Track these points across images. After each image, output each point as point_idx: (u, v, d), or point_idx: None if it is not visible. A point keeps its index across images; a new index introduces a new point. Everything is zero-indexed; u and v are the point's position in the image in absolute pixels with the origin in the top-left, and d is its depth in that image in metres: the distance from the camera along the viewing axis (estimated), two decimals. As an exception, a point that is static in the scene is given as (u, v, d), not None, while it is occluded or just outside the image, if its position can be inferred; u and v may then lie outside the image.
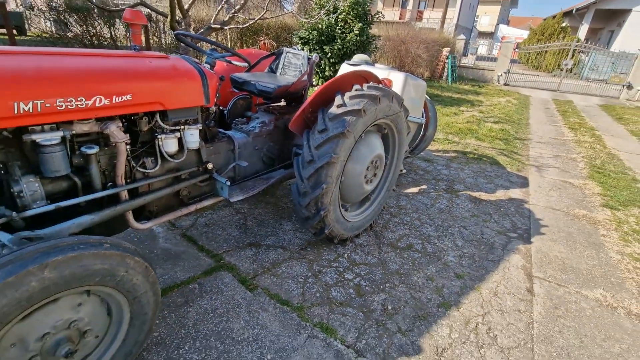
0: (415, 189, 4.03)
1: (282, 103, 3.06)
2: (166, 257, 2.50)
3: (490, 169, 4.95)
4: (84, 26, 6.38)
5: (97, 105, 1.55)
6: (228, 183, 2.24)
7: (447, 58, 13.34)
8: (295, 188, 2.39)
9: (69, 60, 1.55)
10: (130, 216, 1.91)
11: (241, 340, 1.88)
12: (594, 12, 22.26)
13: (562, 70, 15.41)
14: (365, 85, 2.44)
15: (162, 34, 7.55)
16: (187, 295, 2.15)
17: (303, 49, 8.42)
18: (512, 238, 3.18)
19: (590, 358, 1.98)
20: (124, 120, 1.78)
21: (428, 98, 4.26)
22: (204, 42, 2.27)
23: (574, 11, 23.80)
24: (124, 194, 1.85)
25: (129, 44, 7.34)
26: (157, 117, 1.87)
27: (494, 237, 3.17)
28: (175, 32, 2.24)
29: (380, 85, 2.57)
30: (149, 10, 6.88)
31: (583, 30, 23.44)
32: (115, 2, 6.03)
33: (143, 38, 7.45)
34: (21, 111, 1.34)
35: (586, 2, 22.77)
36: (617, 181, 4.80)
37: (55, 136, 1.49)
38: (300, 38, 8.32)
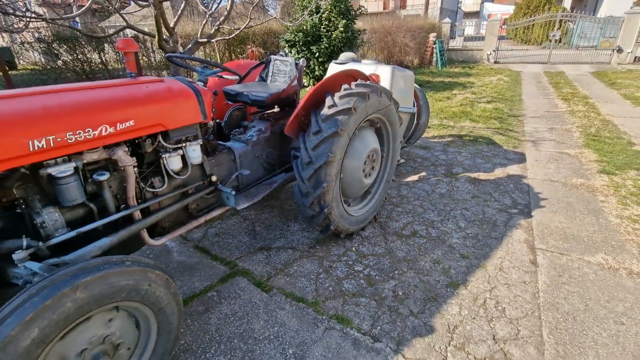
0: (415, 177, 4.12)
1: (276, 109, 3.15)
2: (182, 269, 2.60)
3: (487, 149, 5.02)
4: (74, 54, 6.49)
5: (103, 134, 1.66)
6: (233, 192, 2.34)
7: (435, 43, 13.37)
8: (297, 189, 2.48)
9: (72, 95, 1.65)
10: (145, 234, 2.02)
11: (263, 339, 1.99)
12: (577, -20, 22.12)
13: (550, 41, 15.39)
14: (353, 84, 2.53)
15: (151, 53, 7.66)
16: (207, 303, 2.26)
17: (290, 52, 8.51)
18: (513, 214, 3.27)
19: (596, 319, 2.07)
20: (129, 145, 1.88)
21: (417, 87, 4.34)
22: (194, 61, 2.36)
23: (556, -19, 23.65)
24: (137, 214, 1.96)
25: (119, 67, 7.47)
26: (160, 138, 1.97)
27: (495, 216, 3.25)
28: (166, 54, 2.35)
29: (368, 82, 2.66)
30: (135, 32, 7.00)
31: (568, 0, 23.32)
32: (101, 26, 6.14)
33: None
34: (36, 148, 1.45)
35: (568, -30, 22.63)
36: (612, 147, 4.86)
37: (69, 167, 1.60)
38: (287, 41, 8.41)
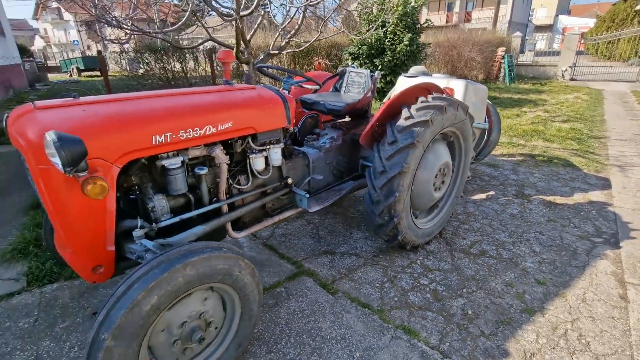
0: (482, 195, 3.96)
1: (347, 119, 3.25)
2: (253, 264, 2.76)
3: (564, 171, 4.65)
4: (161, 63, 7.27)
5: (207, 133, 1.87)
6: (307, 195, 2.46)
7: (503, 58, 12.73)
8: (368, 197, 2.54)
9: (183, 98, 1.89)
10: (229, 227, 2.21)
11: (330, 339, 2.05)
12: (676, -10, 19.72)
13: (640, 57, 13.85)
14: (430, 97, 2.55)
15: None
16: (276, 297, 2.38)
17: (353, 64, 8.68)
18: (597, 243, 2.99)
19: None
20: (223, 145, 2.09)
21: (489, 102, 4.19)
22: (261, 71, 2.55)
23: (649, -9, 21.31)
24: (225, 208, 2.15)
25: (196, 75, 8.20)
26: (249, 140, 2.16)
27: (575, 243, 3.00)
28: (256, 65, 2.57)
29: (445, 95, 2.65)
30: (213, 44, 7.66)
31: (663, 11, 20.83)
32: (175, 38, 6.82)
33: (211, 69, 8.26)
34: (157, 142, 1.68)
35: (665, -20, 20.31)
36: None
37: (178, 161, 1.82)
38: (350, 54, 8.60)
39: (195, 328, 1.57)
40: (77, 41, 40.30)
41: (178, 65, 7.38)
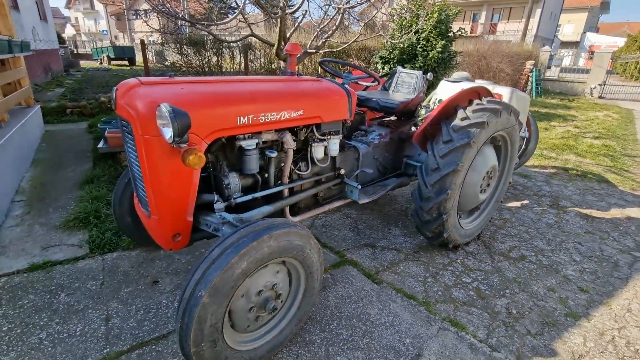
0: (517, 204, 3.98)
1: (393, 118, 3.34)
2: (297, 250, 2.87)
3: (599, 186, 4.63)
4: (199, 56, 7.48)
5: (282, 118, 1.98)
6: (359, 187, 2.55)
7: (531, 71, 12.63)
8: (417, 193, 2.61)
9: (263, 85, 2.01)
10: (287, 210, 2.31)
11: (379, 324, 2.12)
12: None
13: (673, 80, 13.54)
14: (485, 100, 2.61)
15: (258, 60, 8.49)
16: (324, 282, 2.47)
17: (383, 68, 8.76)
18: (638, 258, 2.99)
19: None
20: (290, 132, 2.20)
21: (530, 113, 4.21)
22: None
23: (686, 13, 20.82)
24: (286, 192, 2.26)
25: (232, 69, 8.39)
26: (314, 128, 2.27)
27: (616, 255, 3.01)
28: (320, 60, 2.68)
29: (498, 100, 2.71)
30: (249, 39, 7.84)
31: (699, 34, 20.30)
32: (225, 32, 7.01)
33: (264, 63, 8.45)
34: (240, 123, 1.80)
35: (703, 2, 19.80)
36: None
37: (254, 143, 1.94)
38: (381, 57, 8.67)
39: (269, 298, 1.67)
40: (106, 31, 41.50)
41: (215, 59, 7.58)
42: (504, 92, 3.48)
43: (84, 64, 20.05)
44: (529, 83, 12.96)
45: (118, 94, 1.62)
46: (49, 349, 1.82)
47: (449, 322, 2.17)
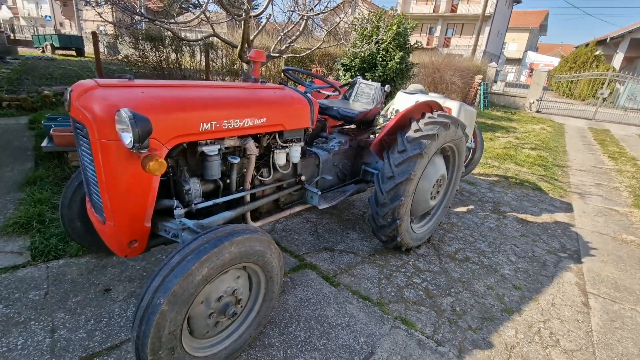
0: (463, 209, 4.31)
1: (353, 126, 3.48)
2: (258, 254, 2.89)
3: (533, 193, 5.15)
4: (156, 52, 7.19)
5: (245, 125, 2.01)
6: (319, 193, 2.65)
7: (480, 85, 13.64)
8: (373, 199, 2.76)
9: (227, 91, 2.03)
10: (248, 215, 2.34)
11: (336, 325, 2.22)
12: (629, 41, 22.07)
13: (597, 99, 15.33)
14: (436, 113, 2.83)
15: (220, 60, 8.33)
16: (283, 286, 2.53)
17: (345, 75, 9.00)
18: (562, 257, 3.39)
19: (650, 364, 2.18)
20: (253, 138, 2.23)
21: (476, 124, 4.59)
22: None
23: (607, 40, 23.69)
24: (248, 197, 2.29)
25: (191, 68, 8.15)
26: (276, 136, 2.32)
27: (544, 256, 3.39)
28: (284, 68, 2.74)
29: (447, 114, 2.95)
30: (211, 39, 7.68)
31: (618, 59, 23.20)
32: (186, 27, 6.81)
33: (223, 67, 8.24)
34: (203, 129, 1.81)
35: (621, 31, 22.67)
36: (663, 210, 4.88)
37: (216, 148, 1.95)
38: (343, 65, 8.91)
39: (229, 303, 1.69)
40: (50, 17, 38.08)
41: (173, 56, 7.32)
42: (453, 106, 3.78)
43: (23, 51, 18.19)
44: (478, 96, 13.98)
45: (73, 95, 1.56)
46: (-15, 365, 1.69)
47: (400, 321, 2.32)
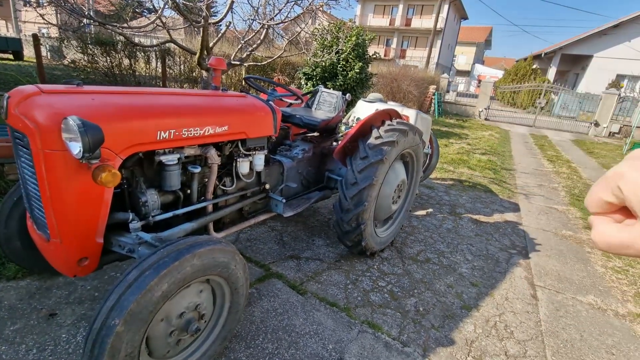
0: (423, 212, 4.50)
1: (316, 134, 3.52)
2: (221, 266, 2.80)
3: (485, 195, 5.51)
4: (107, 57, 6.80)
5: (206, 134, 1.96)
6: (284, 201, 2.63)
7: (434, 95, 14.42)
8: (338, 206, 2.79)
9: (186, 99, 1.97)
10: (211, 226, 2.27)
11: (304, 334, 2.20)
12: (560, 57, 24.54)
13: (536, 107, 16.82)
14: (395, 121, 2.94)
15: (177, 67, 8.06)
16: (249, 297, 2.46)
17: (307, 84, 9.09)
18: (512, 254, 3.65)
19: (590, 348, 2.39)
20: (215, 147, 2.18)
21: (432, 131, 4.83)
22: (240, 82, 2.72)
23: (542, 55, 26.15)
24: (210, 207, 2.21)
25: (147, 75, 7.79)
26: (239, 144, 2.28)
27: (497, 253, 3.62)
28: (245, 76, 2.71)
29: (406, 122, 3.08)
30: (168, 45, 7.42)
31: (552, 72, 25.68)
32: (140, 33, 6.52)
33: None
34: (161, 138, 1.74)
35: (553, 47, 25.16)
36: (594, 207, 5.42)
37: (175, 158, 1.88)
38: (304, 74, 9.00)
39: (191, 319, 1.62)
40: (-19, 16, 34.59)
41: (126, 61, 6.96)
42: (410, 114, 3.96)
43: (-53, 53, 16.40)
44: (432, 105, 14.76)
45: (11, 102, 1.43)
46: None
47: (367, 325, 2.36)
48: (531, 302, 2.84)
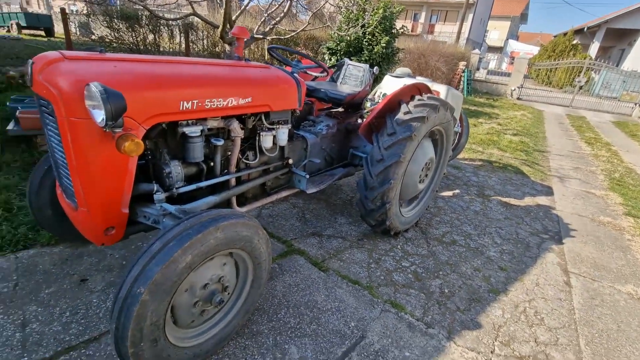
0: (449, 193, 4.34)
1: (340, 109, 3.39)
2: (244, 241, 2.81)
3: (516, 177, 5.24)
4: (132, 32, 6.82)
5: (229, 105, 1.90)
6: (307, 176, 2.57)
7: (464, 72, 13.72)
8: (362, 183, 2.70)
9: (209, 68, 1.90)
10: (233, 200, 2.25)
11: (326, 310, 2.19)
12: (605, 31, 22.62)
13: (574, 87, 15.72)
14: (425, 96, 2.78)
15: (200, 42, 8.00)
16: (271, 272, 2.46)
17: (330, 59, 8.83)
18: (544, 239, 3.47)
19: (628, 339, 2.26)
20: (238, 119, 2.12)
21: (462, 109, 4.58)
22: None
23: (585, 29, 24.20)
24: (233, 181, 2.18)
25: (170, 49, 7.78)
26: (262, 117, 2.21)
27: (528, 237, 3.45)
28: (269, 46, 2.60)
29: (437, 96, 2.90)
30: (191, 19, 7.34)
31: (594, 48, 23.79)
32: (164, 9, 6.48)
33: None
34: (184, 108, 1.69)
35: (598, 21, 23.18)
36: (637, 193, 5.07)
37: (198, 129, 1.83)
38: (328, 49, 8.72)
39: (215, 291, 1.61)
40: (14, -7, 35.56)
41: (151, 37, 6.96)
42: (441, 89, 3.74)
43: (-16, 30, 17.05)
44: (461, 82, 14.07)
45: (35, 69, 1.41)
46: (-52, 363, 1.56)
47: (390, 304, 2.31)
48: (564, 289, 2.70)
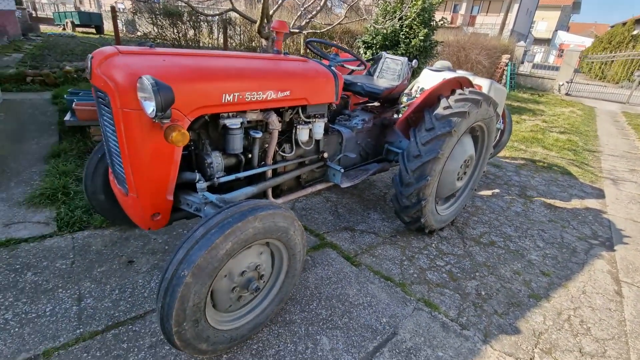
0: (488, 192, 4.16)
1: (376, 104, 3.35)
2: (277, 232, 2.87)
3: (562, 178, 4.92)
4: (174, 28, 7.10)
5: (268, 98, 1.93)
6: (342, 170, 2.57)
7: (507, 65, 13.01)
8: (398, 179, 2.66)
9: (250, 62, 1.94)
10: (269, 192, 2.29)
11: (357, 304, 2.19)
12: (673, 20, 20.46)
13: (632, 81, 14.41)
14: (467, 90, 2.67)
15: (238, 37, 8.19)
16: (304, 264, 2.49)
17: (366, 53, 8.71)
18: (593, 245, 3.24)
19: (689, 358, 2.06)
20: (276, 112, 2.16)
21: (505, 106, 4.36)
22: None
23: (648, 18, 22.04)
24: (269, 173, 2.23)
25: (209, 44, 8.05)
26: (299, 111, 2.23)
27: (574, 242, 3.24)
28: (307, 40, 2.61)
29: (479, 91, 2.78)
30: (229, 15, 7.53)
31: (658, 39, 21.58)
32: (203, 6, 6.68)
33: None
34: (225, 100, 1.74)
35: (664, 9, 21.00)
36: None
37: (238, 122, 1.88)
38: (364, 42, 8.61)
39: (252, 278, 1.67)
40: (70, -6, 38.27)
41: (191, 32, 7.22)
42: (483, 83, 3.58)
43: (44, 28, 18.47)
44: (504, 76, 13.36)
45: (94, 63, 1.51)
46: (16, 329, 1.74)
47: (423, 303, 2.27)
48: (614, 299, 2.51)
